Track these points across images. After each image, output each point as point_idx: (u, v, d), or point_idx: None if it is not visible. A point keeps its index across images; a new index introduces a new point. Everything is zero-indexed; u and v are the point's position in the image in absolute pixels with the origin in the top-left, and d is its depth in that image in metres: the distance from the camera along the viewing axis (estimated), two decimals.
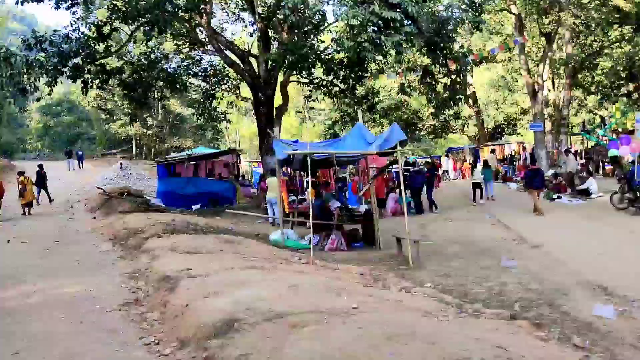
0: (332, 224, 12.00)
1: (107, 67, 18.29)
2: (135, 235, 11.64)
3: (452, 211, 17.40)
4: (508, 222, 14.49)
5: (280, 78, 21.18)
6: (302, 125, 49.86)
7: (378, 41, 13.69)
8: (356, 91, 21.18)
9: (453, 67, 18.45)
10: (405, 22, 13.75)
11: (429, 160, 26.09)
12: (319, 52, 18.41)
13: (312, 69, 19.62)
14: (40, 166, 21.68)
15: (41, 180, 20.84)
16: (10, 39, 52.53)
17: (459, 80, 18.59)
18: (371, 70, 19.97)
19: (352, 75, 19.84)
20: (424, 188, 17.38)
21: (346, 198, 18.48)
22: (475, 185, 19.05)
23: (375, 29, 13.78)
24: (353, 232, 12.87)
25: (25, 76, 15.01)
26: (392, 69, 23.42)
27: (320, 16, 16.28)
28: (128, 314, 6.20)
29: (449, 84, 18.95)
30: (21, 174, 18.88)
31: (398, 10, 13.46)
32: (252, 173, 34.80)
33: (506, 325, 5.47)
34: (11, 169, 31.78)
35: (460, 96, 19.05)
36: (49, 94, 16.77)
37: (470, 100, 31.89)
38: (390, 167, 15.20)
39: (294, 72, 18.92)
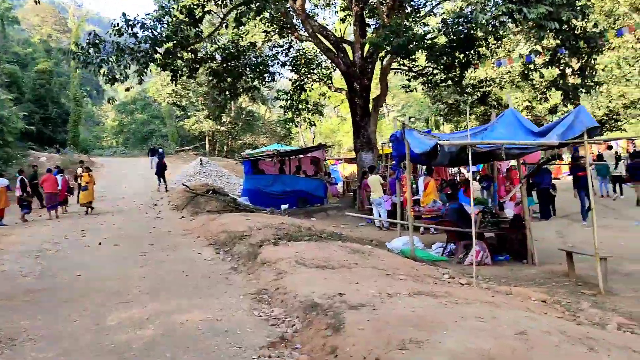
0: (471, 232, 9.86)
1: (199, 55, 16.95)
2: (240, 240, 10.05)
3: (577, 216, 14.87)
4: None
5: (379, 65, 19.17)
6: (379, 121, 47.55)
7: (518, 14, 11.43)
8: (463, 80, 18.81)
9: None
10: None
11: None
12: (423, 36, 16.21)
13: (415, 55, 17.54)
14: (161, 157, 23.80)
15: (160, 170, 22.94)
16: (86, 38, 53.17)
17: (591, 63, 15.87)
18: (480, 54, 17.51)
19: (458, 62, 17.53)
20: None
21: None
22: (616, 179, 18.02)
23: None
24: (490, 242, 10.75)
25: (114, 64, 13.82)
26: (500, 54, 20.89)
27: None
28: None
29: (577, 69, 16.32)
30: (87, 169, 18.69)
31: None
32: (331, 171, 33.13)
33: None
34: (90, 165, 31.79)
35: (592, 83, 16.27)
36: (139, 83, 15.64)
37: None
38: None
39: (397, 59, 16.89)
